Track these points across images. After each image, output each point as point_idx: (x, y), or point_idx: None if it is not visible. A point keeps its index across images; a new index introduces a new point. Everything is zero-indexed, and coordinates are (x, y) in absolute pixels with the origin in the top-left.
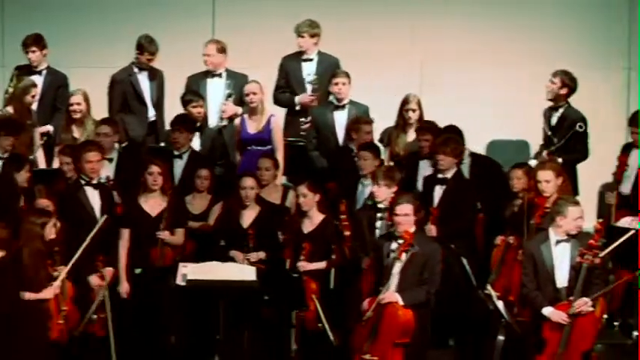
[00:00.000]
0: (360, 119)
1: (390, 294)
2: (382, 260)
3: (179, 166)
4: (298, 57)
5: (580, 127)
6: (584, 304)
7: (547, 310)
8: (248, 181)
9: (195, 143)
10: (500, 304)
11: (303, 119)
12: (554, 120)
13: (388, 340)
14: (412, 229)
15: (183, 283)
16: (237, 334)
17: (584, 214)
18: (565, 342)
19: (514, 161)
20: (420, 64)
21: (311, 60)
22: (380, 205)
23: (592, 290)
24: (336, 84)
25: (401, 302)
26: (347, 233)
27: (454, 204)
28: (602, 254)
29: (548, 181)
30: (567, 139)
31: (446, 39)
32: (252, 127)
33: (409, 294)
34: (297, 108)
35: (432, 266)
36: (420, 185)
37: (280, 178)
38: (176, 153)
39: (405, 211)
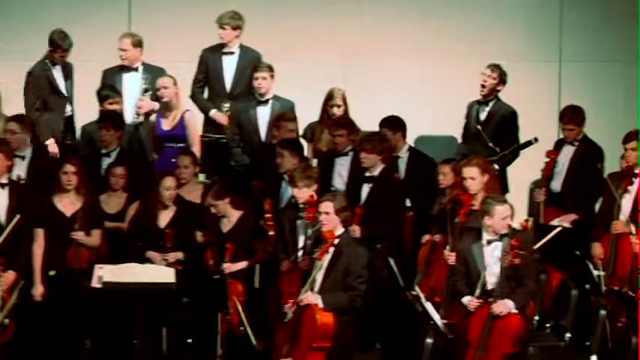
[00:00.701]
0: (283, 116)
1: (309, 296)
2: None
3: (107, 164)
4: (219, 50)
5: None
6: (501, 306)
7: (465, 299)
8: (168, 181)
9: None
10: (428, 306)
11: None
12: (483, 115)
13: (307, 344)
14: (338, 230)
15: (99, 285)
16: (155, 338)
17: (512, 213)
18: (484, 344)
19: (442, 157)
20: (345, 58)
21: (232, 53)
22: (301, 205)
23: (523, 289)
24: (257, 78)
25: (321, 305)
26: (271, 233)
27: (381, 203)
28: (522, 253)
29: (474, 178)
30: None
31: (372, 34)
32: (166, 123)
33: (331, 297)
34: (212, 112)
35: (356, 271)
36: (336, 182)
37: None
38: (104, 151)
39: (326, 209)
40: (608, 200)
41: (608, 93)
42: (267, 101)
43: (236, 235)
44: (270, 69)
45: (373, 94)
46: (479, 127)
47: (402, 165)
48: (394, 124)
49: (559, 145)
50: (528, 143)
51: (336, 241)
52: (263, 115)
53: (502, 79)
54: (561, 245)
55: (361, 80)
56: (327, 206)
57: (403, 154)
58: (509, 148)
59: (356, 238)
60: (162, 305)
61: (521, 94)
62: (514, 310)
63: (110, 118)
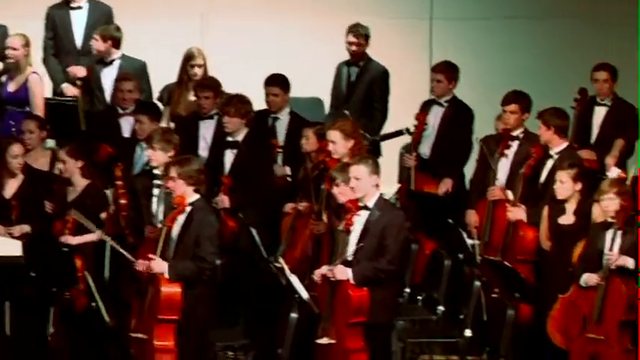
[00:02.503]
0: (118, 76)
1: (157, 263)
2: None
3: None
4: (66, 6)
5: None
6: (333, 271)
7: None
8: (15, 148)
9: None
10: (293, 279)
11: None
12: (353, 76)
13: (153, 316)
14: (191, 197)
15: None
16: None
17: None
18: (327, 314)
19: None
20: (201, 15)
21: (80, 8)
22: (156, 171)
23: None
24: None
25: (166, 274)
26: (123, 201)
27: (247, 170)
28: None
29: (334, 142)
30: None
31: None
32: (12, 85)
33: (177, 267)
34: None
35: (205, 240)
36: (200, 147)
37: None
38: None
39: (170, 173)
40: (483, 165)
41: (481, 52)
42: (111, 62)
43: (80, 206)
44: (103, 31)
45: (232, 52)
46: (346, 112)
47: (282, 128)
48: (284, 83)
49: (427, 106)
50: (399, 133)
51: (188, 208)
52: (108, 75)
53: (367, 37)
54: (433, 214)
55: (219, 37)
56: (171, 171)
57: (284, 117)
58: (379, 135)
59: (209, 206)
60: (8, 280)
61: (392, 51)
62: (352, 281)
63: None
